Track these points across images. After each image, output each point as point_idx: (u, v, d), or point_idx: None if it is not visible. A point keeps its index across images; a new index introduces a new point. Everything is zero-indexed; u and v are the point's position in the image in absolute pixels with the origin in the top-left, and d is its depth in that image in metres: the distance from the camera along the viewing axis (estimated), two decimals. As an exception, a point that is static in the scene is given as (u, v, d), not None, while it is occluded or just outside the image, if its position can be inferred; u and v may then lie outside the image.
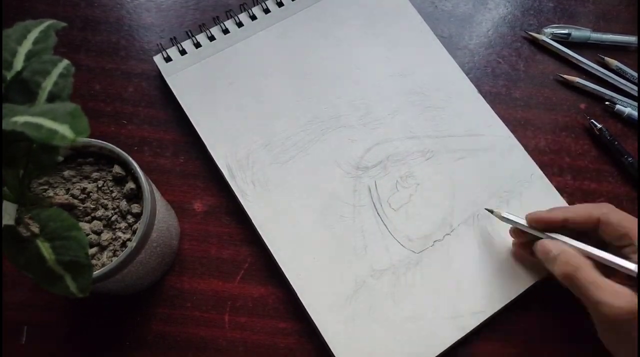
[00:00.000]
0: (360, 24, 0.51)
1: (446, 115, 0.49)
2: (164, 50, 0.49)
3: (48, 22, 0.28)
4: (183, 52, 0.49)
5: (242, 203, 0.45)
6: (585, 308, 0.38)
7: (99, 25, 0.52)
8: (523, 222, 0.42)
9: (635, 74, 0.52)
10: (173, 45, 0.49)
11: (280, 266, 0.43)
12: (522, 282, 0.43)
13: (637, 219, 0.38)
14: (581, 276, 0.36)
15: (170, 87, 0.48)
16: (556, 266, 0.38)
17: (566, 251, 0.38)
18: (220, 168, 0.46)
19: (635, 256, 0.37)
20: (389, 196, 0.46)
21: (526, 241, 0.42)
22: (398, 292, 0.43)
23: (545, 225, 0.40)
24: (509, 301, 0.43)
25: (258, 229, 0.44)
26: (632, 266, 0.36)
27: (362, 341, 0.41)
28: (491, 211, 0.43)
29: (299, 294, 0.42)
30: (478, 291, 0.43)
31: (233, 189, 0.45)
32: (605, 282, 0.36)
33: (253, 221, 0.44)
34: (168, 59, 0.49)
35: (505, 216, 0.42)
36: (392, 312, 0.42)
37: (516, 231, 0.43)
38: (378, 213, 0.45)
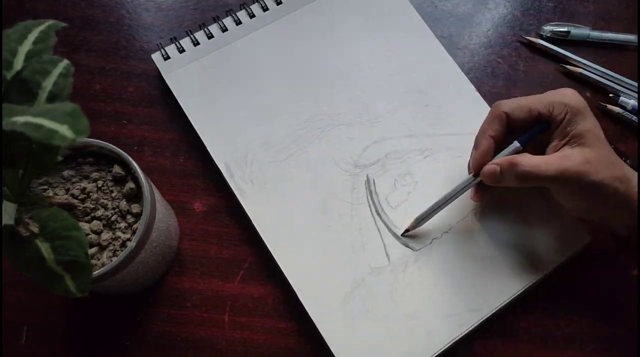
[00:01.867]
0: (360, 22, 0.51)
1: (445, 113, 0.49)
2: (163, 48, 0.49)
3: (48, 22, 0.28)
4: (182, 50, 0.49)
5: (241, 201, 0.45)
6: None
7: (99, 25, 0.52)
8: (457, 187, 0.43)
9: (635, 84, 0.52)
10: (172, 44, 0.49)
11: (279, 264, 0.43)
12: (520, 281, 0.43)
13: (531, 97, 0.41)
14: (529, 168, 0.39)
15: (169, 85, 0.48)
16: (507, 178, 0.40)
17: (503, 160, 0.40)
18: (219, 166, 0.46)
19: (554, 118, 0.40)
20: (388, 194, 0.46)
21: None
22: (397, 290, 0.43)
23: (486, 156, 0.42)
24: (507, 299, 0.43)
25: (257, 228, 0.44)
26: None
27: (361, 339, 0.41)
28: (407, 231, 0.44)
29: (297, 293, 0.42)
30: (477, 289, 0.43)
31: (232, 187, 0.45)
32: (547, 157, 0.39)
33: (252, 219, 0.44)
34: (167, 57, 0.49)
35: (422, 215, 0.44)
36: (391, 310, 0.42)
37: (476, 193, 0.44)
38: (377, 211, 0.45)
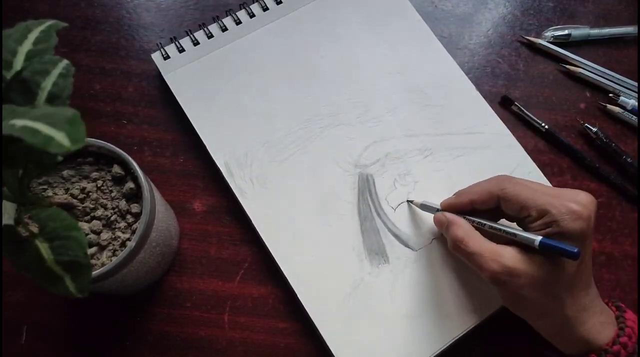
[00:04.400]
0: (360, 22, 0.51)
1: (445, 113, 0.49)
2: (163, 48, 0.49)
3: (49, 23, 0.28)
4: (182, 50, 0.49)
5: (241, 201, 0.45)
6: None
7: (99, 25, 0.52)
8: (437, 207, 0.43)
9: (635, 84, 0.52)
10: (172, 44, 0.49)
11: (279, 264, 0.43)
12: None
13: (535, 187, 0.38)
14: (465, 246, 0.37)
15: (169, 84, 0.48)
16: (447, 237, 0.40)
17: (454, 222, 0.39)
18: (219, 166, 0.46)
19: (533, 226, 0.36)
20: (388, 194, 0.46)
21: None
22: (396, 290, 0.43)
23: (455, 209, 0.41)
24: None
25: (256, 227, 0.44)
26: (531, 236, 0.36)
27: (361, 339, 0.41)
28: (411, 201, 0.45)
29: (297, 293, 0.42)
30: (476, 290, 0.43)
31: (232, 187, 0.45)
32: (487, 249, 0.36)
33: (251, 219, 0.44)
34: (167, 57, 0.49)
35: (424, 203, 0.44)
36: (391, 310, 0.42)
37: (436, 220, 0.43)
38: (377, 211, 0.45)
